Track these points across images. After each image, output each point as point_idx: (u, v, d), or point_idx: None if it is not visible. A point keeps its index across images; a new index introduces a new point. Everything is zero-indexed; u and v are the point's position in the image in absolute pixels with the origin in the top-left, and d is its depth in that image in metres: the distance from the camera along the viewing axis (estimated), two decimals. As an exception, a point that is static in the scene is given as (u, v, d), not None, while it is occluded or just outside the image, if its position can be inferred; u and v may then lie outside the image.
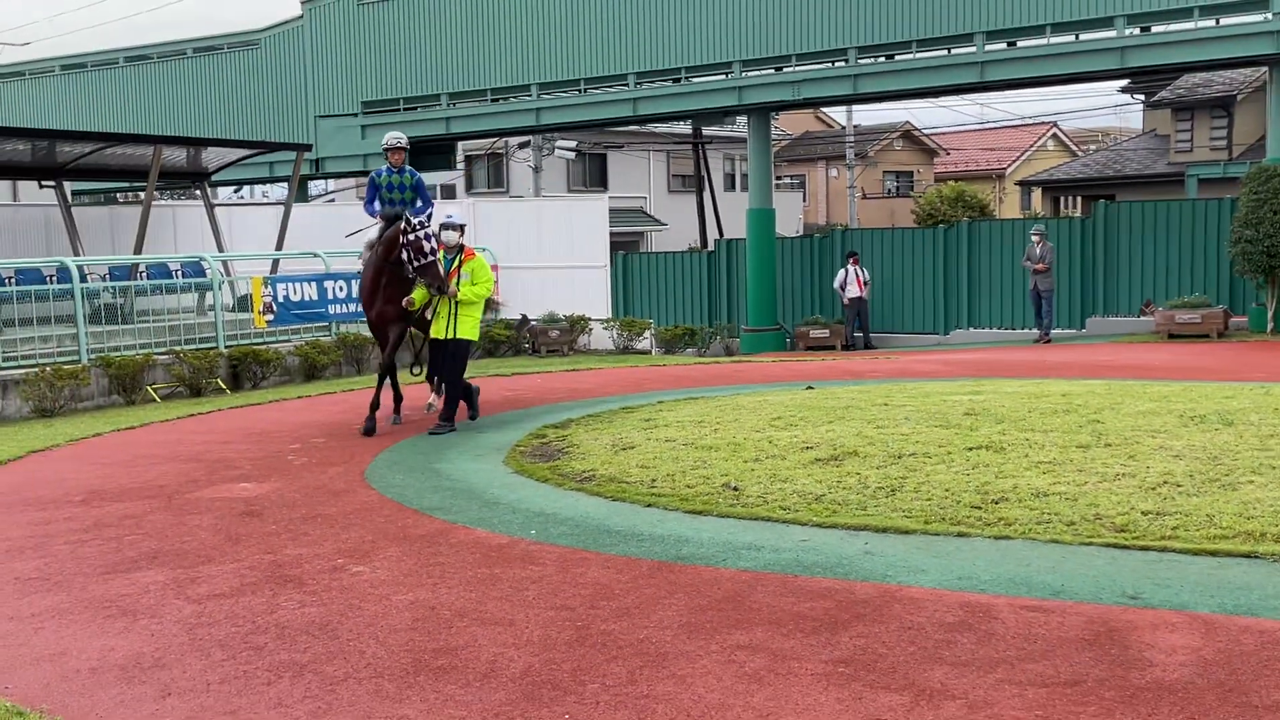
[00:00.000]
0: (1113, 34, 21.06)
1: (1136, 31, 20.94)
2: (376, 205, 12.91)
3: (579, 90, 26.12)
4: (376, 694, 4.72)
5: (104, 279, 17.70)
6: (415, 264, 11.59)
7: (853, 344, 24.55)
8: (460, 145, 33.77)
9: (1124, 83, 35.51)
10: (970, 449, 9.08)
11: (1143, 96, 38.42)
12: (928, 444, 9.35)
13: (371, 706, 4.60)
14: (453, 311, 11.98)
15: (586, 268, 23.41)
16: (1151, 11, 20.61)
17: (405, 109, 28.27)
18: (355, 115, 28.89)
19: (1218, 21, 20.39)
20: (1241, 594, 5.49)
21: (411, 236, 11.57)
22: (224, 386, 16.17)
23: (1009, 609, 5.45)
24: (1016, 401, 11.41)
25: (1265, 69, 22.11)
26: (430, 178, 34.19)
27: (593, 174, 41.42)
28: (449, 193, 37.67)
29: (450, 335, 12.00)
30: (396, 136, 13.01)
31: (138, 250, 19.18)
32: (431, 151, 29.38)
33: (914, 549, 6.57)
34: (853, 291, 24.54)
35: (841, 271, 24.77)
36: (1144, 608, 5.36)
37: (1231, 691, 4.40)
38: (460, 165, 38.19)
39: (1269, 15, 19.71)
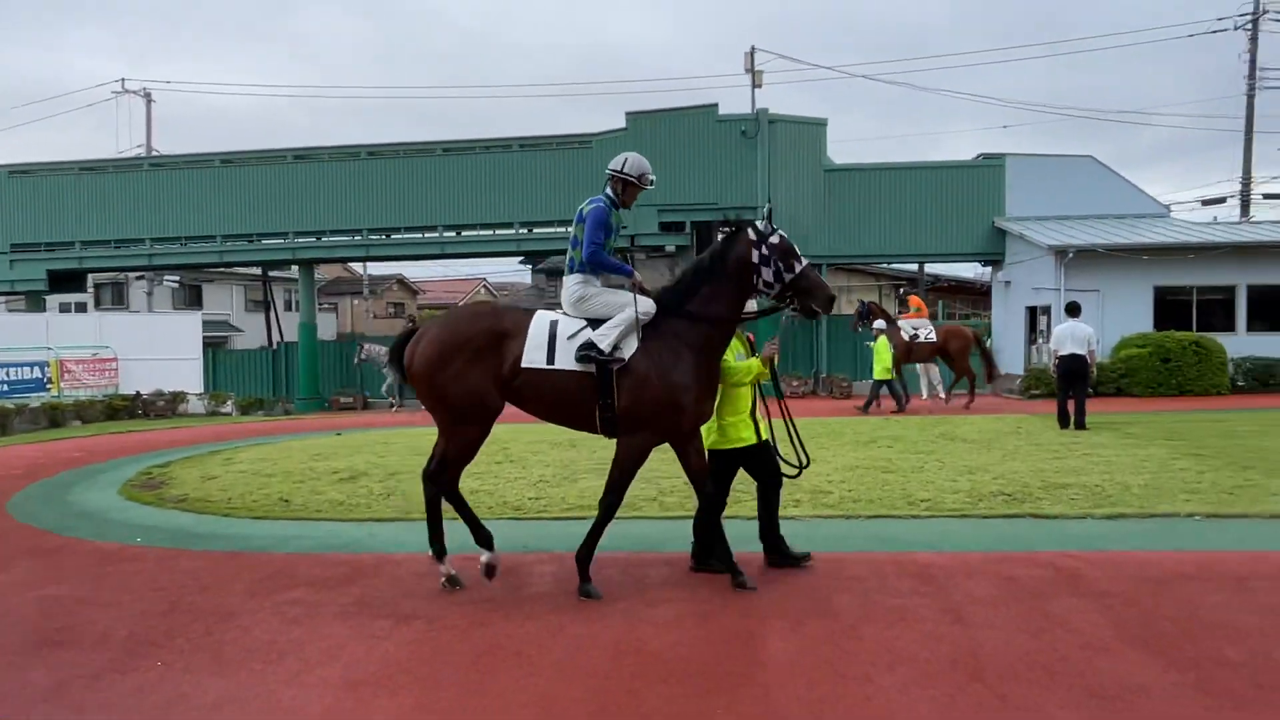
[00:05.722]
0: (513, 231, 22.10)
1: (526, 231, 22.10)
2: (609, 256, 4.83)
3: (181, 243, 23.30)
4: (7, 666, 3.85)
5: None
6: (787, 277, 4.58)
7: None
8: (90, 276, 28.88)
9: (521, 258, 37.27)
10: (435, 467, 9.01)
11: (531, 266, 40.43)
12: (410, 466, 9.14)
13: (2, 677, 3.75)
14: (755, 399, 5.03)
15: (185, 359, 20.93)
16: (533, 221, 21.83)
17: (46, 250, 23.80)
18: (6, 253, 23.91)
19: (567, 229, 21.84)
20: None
21: (776, 239, 4.59)
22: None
23: (455, 561, 5.35)
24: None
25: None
26: (64, 299, 29.02)
27: (191, 297, 36.96)
28: (81, 307, 31.93)
29: (765, 438, 5.02)
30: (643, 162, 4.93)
31: None
32: (65, 280, 24.97)
33: (400, 530, 6.39)
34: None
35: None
36: (531, 552, 5.55)
37: (575, 594, 4.66)
38: (91, 289, 32.79)
39: (594, 227, 21.58)
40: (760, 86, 23.07)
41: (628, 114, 21.03)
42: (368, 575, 5.16)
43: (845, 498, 6.93)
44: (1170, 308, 18.93)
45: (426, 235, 22.55)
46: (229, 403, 20.69)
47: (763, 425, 5.03)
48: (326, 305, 43.13)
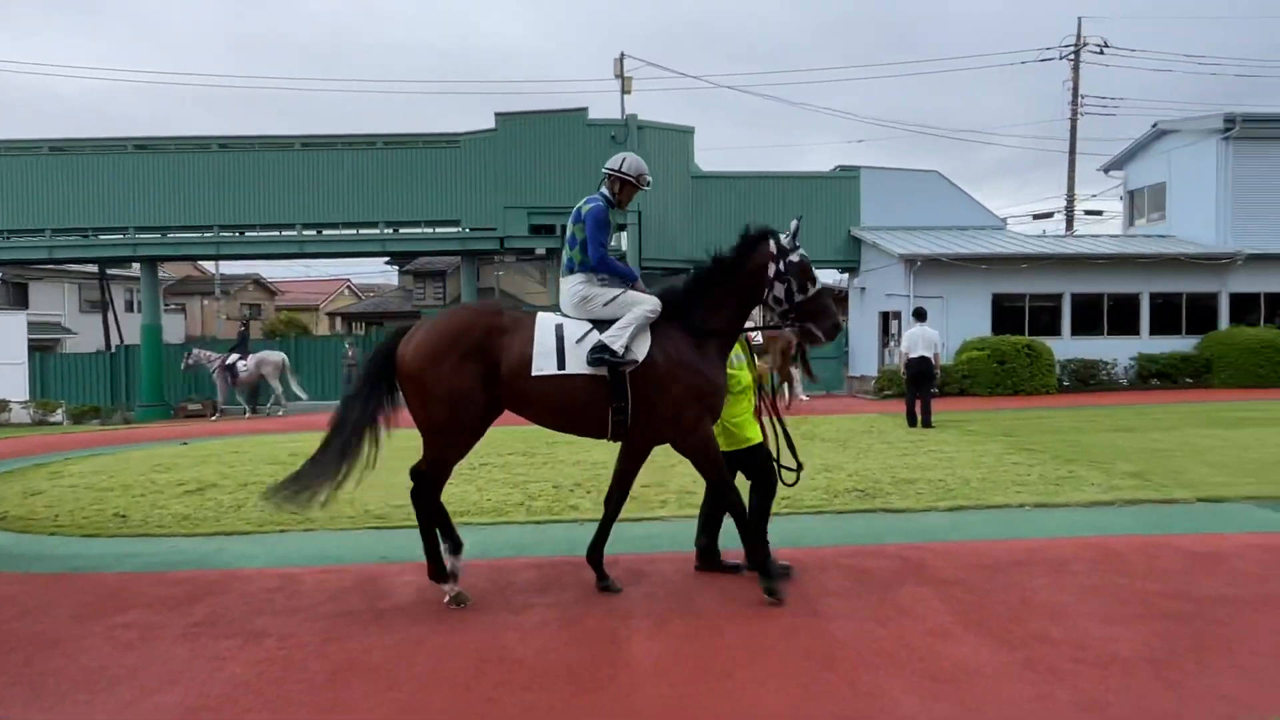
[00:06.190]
0: (378, 231, 21.39)
1: (392, 231, 21.43)
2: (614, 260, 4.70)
3: (4, 237, 21.23)
4: None
5: None
6: (799, 298, 4.51)
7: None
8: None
9: (387, 259, 36.21)
10: (291, 477, 8.60)
11: (398, 267, 39.32)
12: (265, 475, 8.69)
13: None
14: (756, 399, 5.12)
15: (7, 364, 19.11)
16: (400, 220, 21.20)
17: None
18: None
19: (435, 230, 21.48)
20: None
21: (796, 258, 4.52)
22: None
23: (310, 574, 5.20)
24: (322, 445, 11.00)
25: (459, 257, 23.67)
26: None
27: (16, 296, 33.68)
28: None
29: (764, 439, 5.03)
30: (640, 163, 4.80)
31: None
32: None
33: (250, 544, 6.05)
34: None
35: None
36: (389, 562, 5.40)
37: (437, 604, 4.54)
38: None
39: (460, 229, 21.18)
40: (630, 93, 23.35)
41: (497, 114, 20.76)
42: (214, 593, 4.85)
43: (710, 497, 7.08)
44: (1006, 313, 20.40)
45: (284, 233, 21.47)
46: (59, 411, 19.07)
47: (755, 427, 4.98)
48: (174, 306, 40.49)
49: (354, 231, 21.55)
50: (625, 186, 4.76)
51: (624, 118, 21.44)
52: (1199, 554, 5.17)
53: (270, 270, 47.07)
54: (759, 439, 4.94)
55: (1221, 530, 5.78)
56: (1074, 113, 28.60)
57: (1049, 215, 31.10)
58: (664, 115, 39.76)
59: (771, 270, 4.50)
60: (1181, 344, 20.11)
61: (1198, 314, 20.63)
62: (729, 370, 4.76)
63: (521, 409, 4.52)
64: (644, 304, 4.47)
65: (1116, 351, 20.00)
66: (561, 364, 4.36)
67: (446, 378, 4.32)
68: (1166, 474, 7.76)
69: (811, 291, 4.52)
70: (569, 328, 4.45)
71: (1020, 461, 8.63)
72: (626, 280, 4.65)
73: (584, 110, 21.05)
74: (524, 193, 20.70)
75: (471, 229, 21.08)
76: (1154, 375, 19.62)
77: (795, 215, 4.82)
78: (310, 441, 11.84)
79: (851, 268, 23.21)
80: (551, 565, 5.21)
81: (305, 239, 21.51)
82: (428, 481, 4.60)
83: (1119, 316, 20.52)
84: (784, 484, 5.08)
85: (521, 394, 4.40)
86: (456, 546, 4.74)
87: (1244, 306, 20.71)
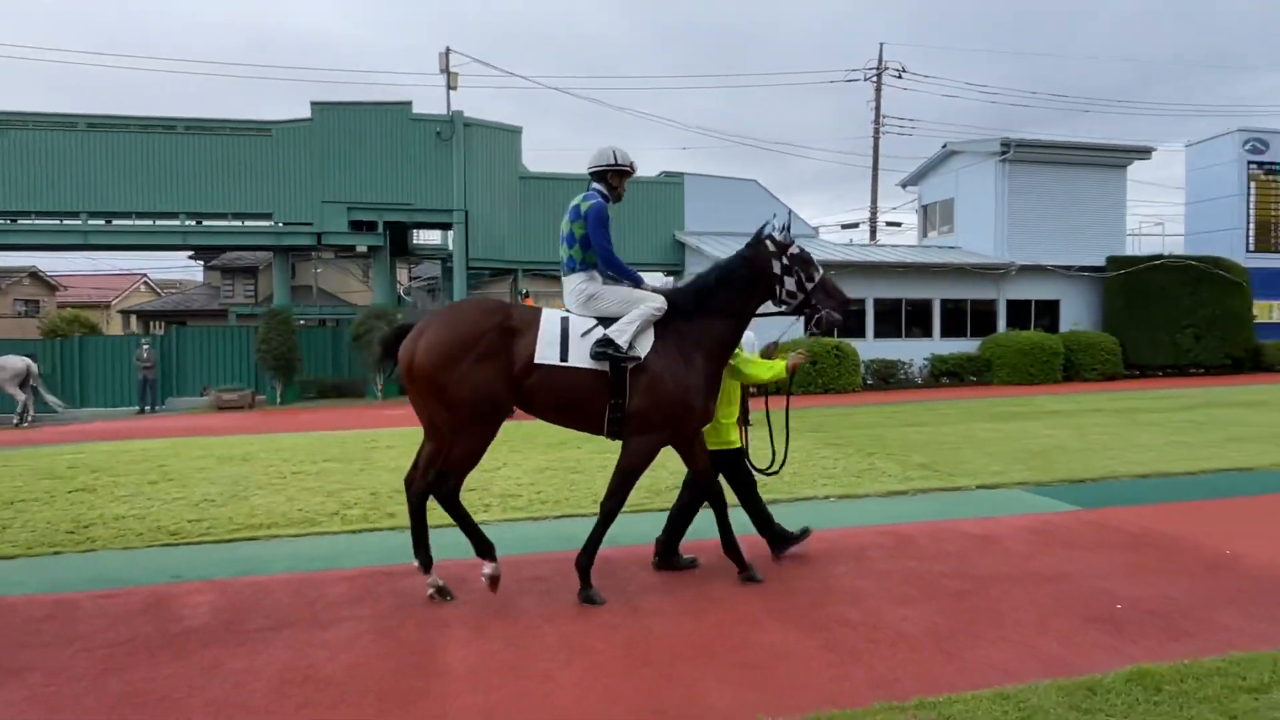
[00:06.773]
0: (179, 223, 19.72)
1: (195, 223, 19.83)
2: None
3: None
4: None
5: None
6: (809, 286, 4.68)
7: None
8: None
9: (190, 253, 33.39)
10: (70, 491, 7.76)
11: (203, 262, 36.40)
12: (36, 491, 7.80)
13: None
14: (745, 405, 5.35)
15: None
16: (203, 212, 19.67)
17: None
18: None
19: (244, 222, 20.08)
20: (243, 563, 5.32)
21: (796, 250, 4.73)
22: None
23: (89, 599, 4.69)
24: (109, 456, 10.00)
25: (272, 253, 22.29)
26: None
27: None
28: None
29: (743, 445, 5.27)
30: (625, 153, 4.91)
31: None
32: None
33: (15, 569, 5.37)
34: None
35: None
36: (183, 582, 4.96)
37: (236, 625, 4.24)
38: None
39: (272, 224, 19.94)
40: (455, 89, 22.77)
41: (313, 104, 19.69)
42: (-33, 626, 4.27)
43: (534, 500, 7.03)
44: (818, 317, 21.63)
45: (66, 222, 19.38)
46: None
47: (738, 432, 5.13)
48: (-73, 301, 35.50)
49: (150, 222, 19.78)
50: (623, 177, 4.86)
51: (450, 114, 20.94)
52: (977, 536, 5.69)
53: (51, 263, 42.31)
54: (738, 444, 5.13)
55: (997, 514, 6.39)
56: (876, 131, 30.79)
57: (855, 225, 33.45)
58: (492, 116, 39.16)
59: (776, 267, 4.68)
60: (967, 345, 22.13)
61: (980, 318, 22.78)
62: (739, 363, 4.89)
63: (523, 402, 4.46)
64: (650, 301, 4.54)
65: (913, 352, 21.72)
66: (564, 355, 4.37)
67: (467, 378, 4.24)
68: (952, 464, 8.50)
69: (818, 277, 4.71)
70: (574, 322, 4.50)
71: (828, 455, 9.17)
72: (630, 280, 4.70)
73: (408, 104, 20.39)
74: (343, 187, 19.77)
75: (285, 224, 19.90)
76: (944, 374, 21.47)
77: (773, 214, 5.13)
78: (92, 451, 10.85)
79: (675, 270, 23.85)
80: (366, 576, 4.98)
81: (91, 229, 19.51)
82: (449, 477, 4.40)
83: (915, 320, 22.31)
84: (761, 473, 5.34)
85: (526, 387, 4.37)
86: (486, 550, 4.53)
87: (1018, 312, 23.09)
